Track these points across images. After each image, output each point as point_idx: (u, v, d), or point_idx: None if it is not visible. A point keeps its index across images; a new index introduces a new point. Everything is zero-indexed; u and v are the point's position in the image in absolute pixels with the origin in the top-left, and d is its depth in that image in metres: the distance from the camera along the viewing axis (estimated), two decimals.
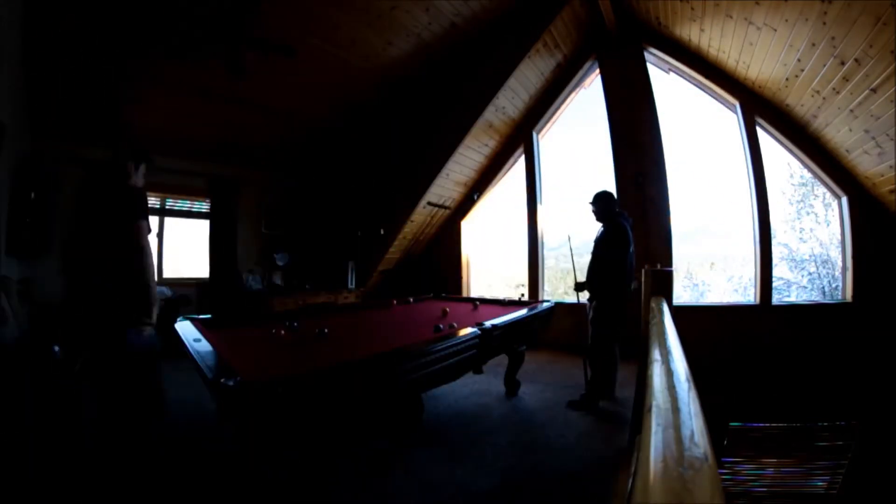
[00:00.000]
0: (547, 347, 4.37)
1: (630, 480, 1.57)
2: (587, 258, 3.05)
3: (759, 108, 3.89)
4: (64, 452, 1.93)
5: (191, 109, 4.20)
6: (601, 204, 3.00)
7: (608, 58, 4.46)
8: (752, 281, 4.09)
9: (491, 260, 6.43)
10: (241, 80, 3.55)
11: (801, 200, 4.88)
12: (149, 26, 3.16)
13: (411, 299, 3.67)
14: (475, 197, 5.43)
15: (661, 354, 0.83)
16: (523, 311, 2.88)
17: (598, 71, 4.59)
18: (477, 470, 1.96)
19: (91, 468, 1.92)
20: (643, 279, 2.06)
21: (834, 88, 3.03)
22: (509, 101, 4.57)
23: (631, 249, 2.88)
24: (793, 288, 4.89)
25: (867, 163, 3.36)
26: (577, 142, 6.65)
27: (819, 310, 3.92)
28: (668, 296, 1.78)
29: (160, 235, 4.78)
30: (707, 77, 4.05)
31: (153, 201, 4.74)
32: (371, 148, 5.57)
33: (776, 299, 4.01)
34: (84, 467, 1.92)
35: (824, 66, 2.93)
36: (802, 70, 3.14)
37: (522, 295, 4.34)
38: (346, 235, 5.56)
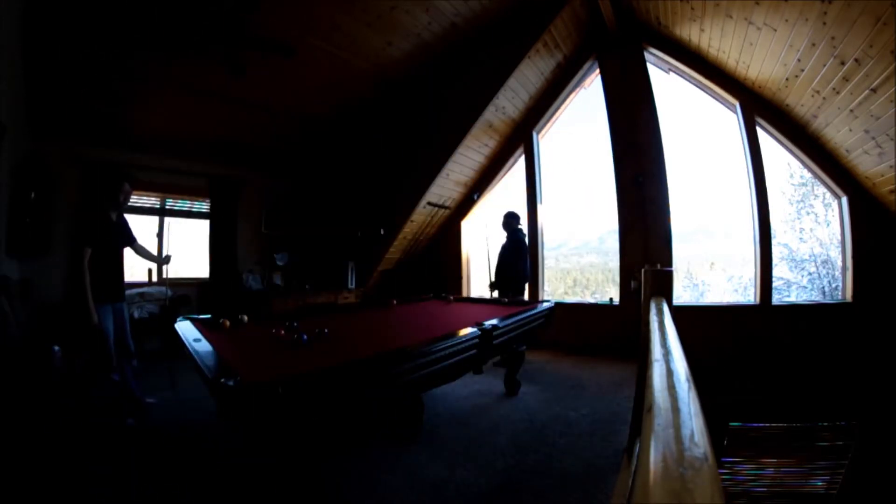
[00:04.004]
0: (547, 347, 4.38)
1: (630, 480, 1.57)
2: (587, 258, 3.08)
3: (759, 108, 3.89)
4: (62, 450, 1.93)
5: (191, 109, 4.20)
6: (505, 220, 4.19)
7: (608, 58, 4.46)
8: (752, 281, 4.09)
9: (491, 260, 6.43)
10: (240, 79, 3.56)
11: (801, 200, 4.88)
12: (149, 26, 3.16)
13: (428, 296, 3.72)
14: (475, 197, 5.42)
15: (661, 354, 0.83)
16: (523, 312, 2.88)
17: (598, 71, 4.59)
18: (477, 470, 1.96)
19: (90, 467, 1.92)
20: (643, 279, 2.06)
21: (834, 88, 3.03)
22: (509, 101, 4.58)
23: (525, 256, 4.14)
24: (793, 288, 4.89)
25: (867, 163, 3.36)
26: (577, 142, 6.65)
27: (819, 310, 3.92)
28: (668, 296, 1.78)
29: (160, 235, 4.77)
30: (707, 77, 4.05)
31: (153, 201, 4.75)
32: (371, 148, 5.57)
33: (776, 299, 4.01)
34: (83, 466, 1.91)
35: (824, 66, 2.93)
36: (802, 70, 3.14)
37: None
38: (346, 235, 5.56)
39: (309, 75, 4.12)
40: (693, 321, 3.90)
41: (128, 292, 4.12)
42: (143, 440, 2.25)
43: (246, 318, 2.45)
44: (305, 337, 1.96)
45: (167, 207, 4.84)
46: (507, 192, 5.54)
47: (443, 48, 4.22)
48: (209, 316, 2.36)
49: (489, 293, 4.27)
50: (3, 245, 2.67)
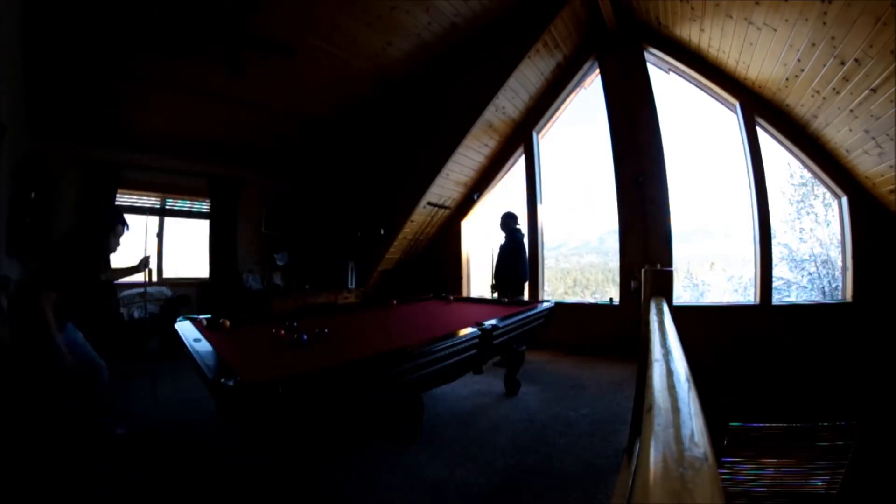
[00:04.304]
0: (547, 347, 4.38)
1: (630, 480, 1.57)
2: (587, 258, 3.08)
3: (759, 108, 3.89)
4: (62, 450, 1.94)
5: (191, 109, 4.20)
6: (503, 221, 4.22)
7: (608, 58, 4.46)
8: (752, 281, 4.09)
9: (491, 260, 6.43)
10: (240, 79, 3.56)
11: (801, 200, 4.88)
12: (149, 26, 3.16)
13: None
14: (475, 197, 5.43)
15: (661, 354, 0.83)
16: (523, 312, 2.88)
17: (598, 71, 4.59)
18: (477, 470, 1.96)
19: (90, 467, 1.92)
20: (643, 279, 2.06)
21: (834, 88, 3.03)
22: (509, 101, 4.58)
23: (523, 256, 4.18)
24: (793, 288, 4.89)
25: (867, 163, 3.36)
26: (577, 142, 6.65)
27: (819, 310, 3.92)
28: (668, 296, 1.78)
29: (160, 235, 4.78)
30: (707, 77, 4.05)
31: (153, 201, 4.75)
32: (371, 148, 5.57)
33: (776, 299, 4.01)
34: (83, 466, 1.92)
35: (824, 66, 2.93)
36: (802, 70, 3.14)
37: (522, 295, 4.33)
38: (346, 235, 5.57)
39: (309, 75, 4.12)
40: (693, 321, 3.90)
41: (128, 292, 4.15)
42: (143, 440, 2.25)
43: (228, 322, 2.28)
44: (305, 337, 1.96)
45: (167, 207, 4.84)
46: (507, 192, 5.55)
47: (443, 48, 4.22)
48: (209, 316, 2.36)
49: (491, 294, 4.28)
50: (3, 245, 2.66)
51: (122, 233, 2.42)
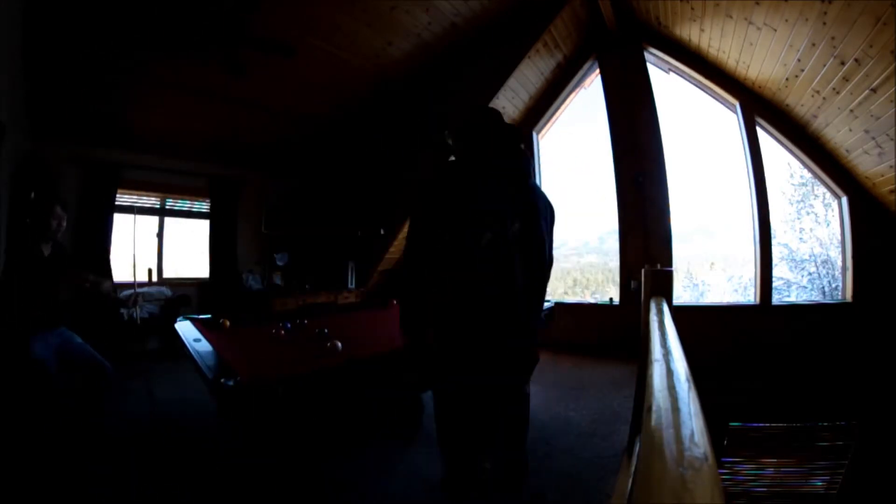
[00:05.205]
0: (547, 347, 4.37)
1: (630, 480, 1.57)
2: (587, 258, 3.05)
3: (759, 108, 3.89)
4: (62, 450, 1.93)
5: (191, 109, 4.20)
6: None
7: (608, 58, 4.45)
8: (752, 281, 4.09)
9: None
10: (240, 79, 3.56)
11: (801, 200, 4.87)
12: (148, 26, 3.16)
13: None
14: None
15: (661, 354, 0.83)
16: None
17: (597, 71, 4.59)
18: None
19: (90, 467, 1.92)
20: (643, 279, 2.06)
21: (834, 88, 3.03)
22: (509, 101, 4.57)
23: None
24: (793, 288, 4.89)
25: (867, 163, 3.36)
26: (577, 142, 6.64)
27: (819, 310, 3.92)
28: (668, 296, 1.78)
29: (160, 235, 4.78)
30: (707, 77, 4.05)
31: (153, 201, 4.75)
32: (371, 148, 5.57)
33: (776, 299, 4.01)
34: (83, 466, 1.91)
35: (824, 66, 2.93)
36: (802, 70, 3.14)
37: None
38: (346, 235, 5.56)
39: (309, 75, 4.12)
40: (693, 321, 3.90)
41: (128, 292, 4.15)
42: (143, 440, 2.25)
43: (228, 322, 2.31)
44: (289, 325, 2.01)
45: (167, 207, 4.84)
46: None
47: (443, 48, 4.22)
48: (209, 316, 2.36)
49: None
50: (3, 245, 2.66)
51: (60, 214, 2.24)
